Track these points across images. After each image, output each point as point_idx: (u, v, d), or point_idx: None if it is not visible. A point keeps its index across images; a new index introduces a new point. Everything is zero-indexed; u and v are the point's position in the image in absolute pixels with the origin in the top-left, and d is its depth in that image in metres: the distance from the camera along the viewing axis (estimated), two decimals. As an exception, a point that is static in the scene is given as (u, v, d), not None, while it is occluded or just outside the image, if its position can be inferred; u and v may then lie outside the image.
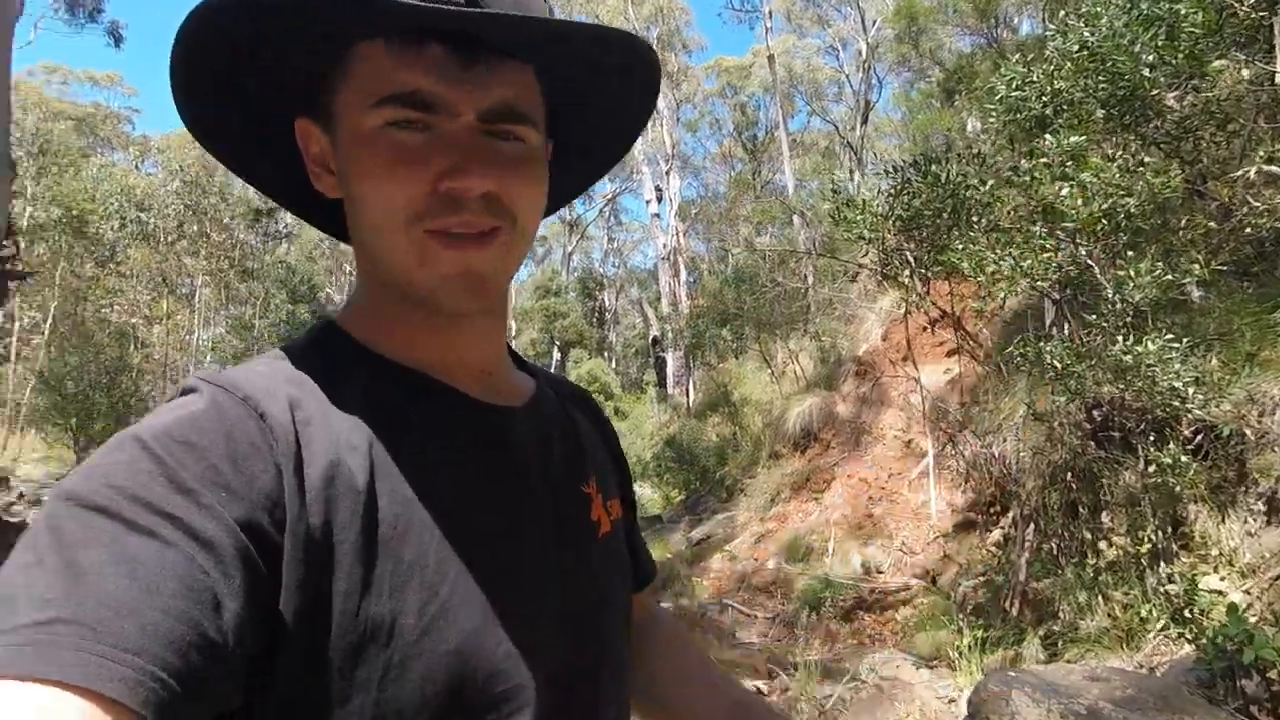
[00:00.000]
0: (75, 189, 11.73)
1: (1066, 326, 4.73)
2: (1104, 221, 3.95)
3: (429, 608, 0.44)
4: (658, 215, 18.37)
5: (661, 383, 17.08)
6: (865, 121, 15.18)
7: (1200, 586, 3.87)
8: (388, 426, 0.47)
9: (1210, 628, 3.47)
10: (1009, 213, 4.43)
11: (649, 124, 0.62)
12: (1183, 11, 3.68)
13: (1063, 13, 4.64)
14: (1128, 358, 3.86)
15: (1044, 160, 4.13)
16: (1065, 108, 4.46)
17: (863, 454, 8.10)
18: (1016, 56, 4.58)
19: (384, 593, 0.43)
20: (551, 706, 0.48)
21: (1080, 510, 5.05)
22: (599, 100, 0.55)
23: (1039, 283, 4.28)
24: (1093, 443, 4.75)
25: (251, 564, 0.38)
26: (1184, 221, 4.27)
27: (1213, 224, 4.25)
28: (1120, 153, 4.14)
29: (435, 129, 0.46)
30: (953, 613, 5.66)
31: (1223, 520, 4.10)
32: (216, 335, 14.75)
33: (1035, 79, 4.48)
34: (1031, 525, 5.14)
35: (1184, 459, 3.77)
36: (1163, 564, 4.21)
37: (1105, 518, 5.04)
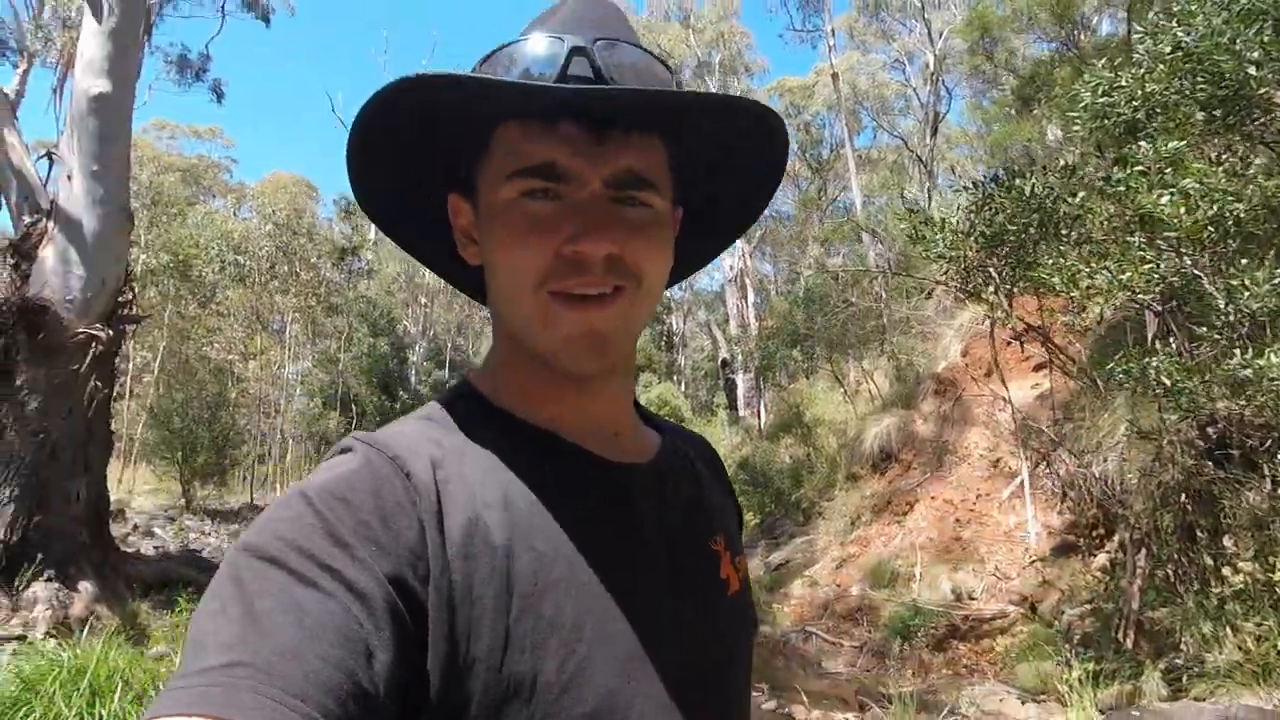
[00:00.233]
0: (181, 236, 12.81)
1: (1173, 340, 4.48)
2: (1210, 229, 3.75)
3: (567, 665, 0.44)
4: (723, 237, 18.30)
5: (732, 405, 16.97)
6: (935, 134, 14.81)
7: (1347, 618, 3.54)
8: (522, 486, 0.49)
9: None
10: (1101, 224, 4.27)
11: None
12: (1289, 5, 3.51)
13: (1152, 13, 4.48)
14: (1247, 371, 3.62)
15: (1139, 168, 3.98)
16: (1158, 111, 4.29)
17: (947, 474, 7.79)
18: (1102, 61, 4.44)
19: (525, 650, 0.44)
20: None
21: (1198, 534, 4.71)
22: (727, 166, 0.57)
23: (1140, 295, 4.09)
24: (1209, 462, 4.44)
25: (399, 617, 0.40)
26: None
27: (1336, 225, 3.96)
28: (1226, 155, 3.94)
29: (564, 198, 0.49)
30: (1057, 643, 5.34)
31: (1368, 545, 3.75)
32: (304, 369, 15.68)
33: (1124, 83, 4.32)
34: (1143, 550, 4.82)
35: (1319, 479, 3.49)
36: (1300, 593, 3.88)
37: (1228, 542, 4.68)
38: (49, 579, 4.99)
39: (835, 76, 15.69)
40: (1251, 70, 3.63)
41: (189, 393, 11.06)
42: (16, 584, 4.81)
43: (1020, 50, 10.79)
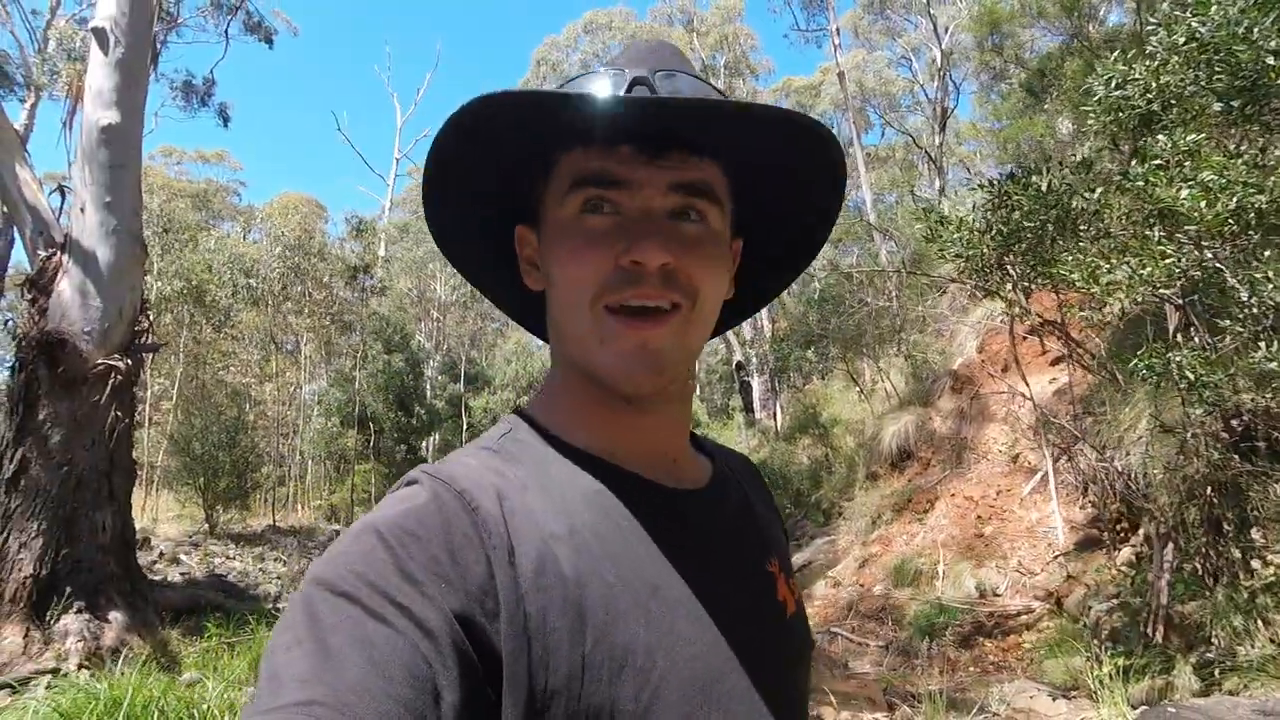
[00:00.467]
0: (194, 261, 12.90)
1: (1194, 333, 4.45)
2: (1231, 221, 3.72)
3: (642, 695, 0.44)
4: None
5: (748, 408, 16.94)
6: (943, 129, 14.72)
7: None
8: (586, 516, 0.49)
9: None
10: (1119, 219, 4.24)
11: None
12: (1305, -6, 3.47)
13: (1165, 4, 4.44)
14: (1272, 364, 3.60)
15: (1157, 162, 3.95)
16: (1174, 103, 4.25)
17: (966, 471, 7.76)
18: (1115, 55, 4.40)
19: (601, 679, 0.44)
20: None
21: (1225, 527, 4.68)
22: (787, 194, 0.58)
23: (1161, 290, 4.06)
24: (1235, 455, 4.41)
25: (466, 656, 0.40)
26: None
27: (1359, 213, 3.92)
28: (1245, 146, 3.90)
29: (623, 212, 0.50)
30: (1085, 638, 5.32)
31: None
32: (321, 389, 15.68)
33: (1138, 75, 4.28)
34: (1170, 544, 4.79)
35: (1350, 470, 3.46)
36: (1334, 585, 3.85)
37: (1256, 534, 4.65)
38: (79, 610, 5.03)
39: (841, 75, 15.62)
40: (1270, 60, 3.59)
41: (207, 418, 11.10)
42: (48, 617, 4.86)
43: (1028, 43, 10.72)
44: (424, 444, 16.66)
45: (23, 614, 4.82)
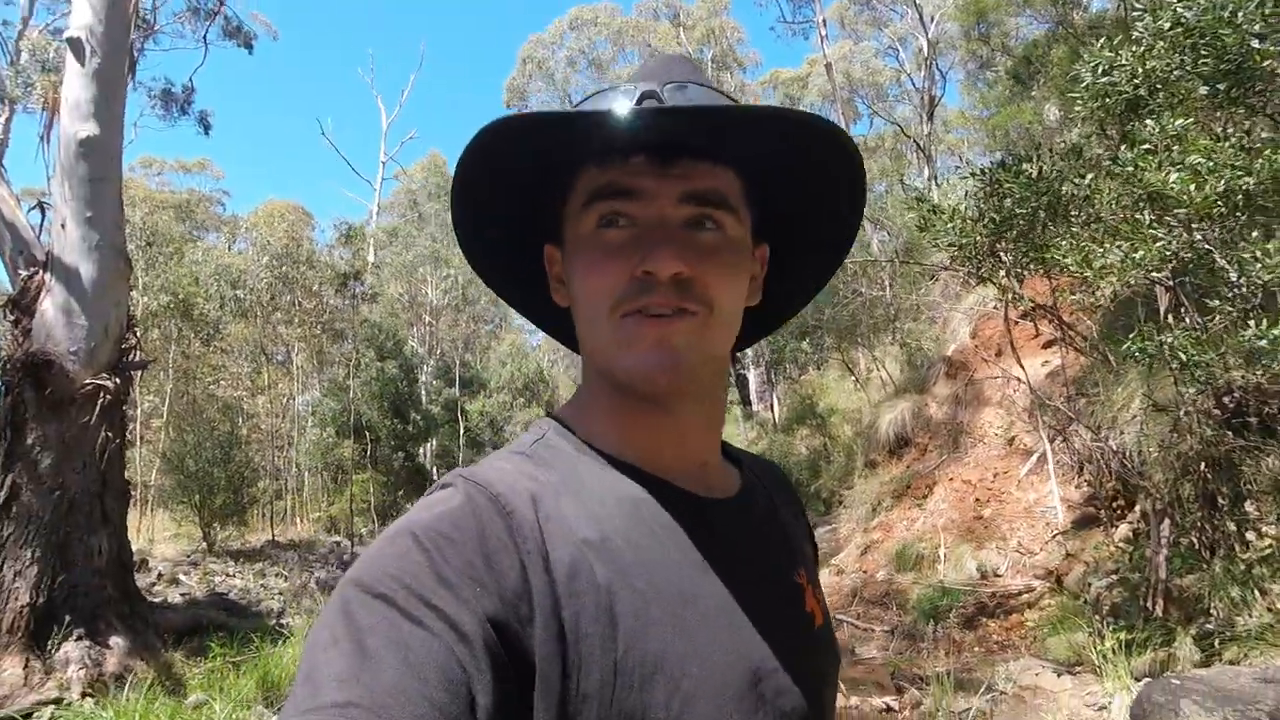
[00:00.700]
0: (180, 274, 12.62)
1: (1184, 313, 4.53)
2: (1220, 204, 3.79)
3: (674, 703, 0.45)
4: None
5: (745, 400, 17.02)
6: (931, 118, 14.80)
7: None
8: (618, 523, 0.49)
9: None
10: (1109, 204, 4.30)
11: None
12: (1286, -23, 3.53)
13: (1149, -11, 4.47)
14: (1262, 342, 3.67)
15: (1146, 146, 4.00)
16: (1160, 88, 4.30)
17: (963, 455, 7.86)
18: (1101, 41, 4.45)
19: (632, 686, 0.44)
20: None
21: (1220, 501, 4.79)
22: (805, 200, 0.58)
23: (1152, 273, 4.13)
24: (1228, 431, 4.51)
25: (499, 659, 0.41)
26: (1305, 190, 4.04)
27: (1341, 190, 4.00)
28: (1232, 130, 3.97)
29: (639, 224, 0.51)
30: (1086, 614, 5.43)
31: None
32: (314, 399, 15.47)
33: (1124, 61, 4.34)
34: (1166, 520, 4.89)
35: (1341, 442, 3.55)
36: (1328, 554, 3.95)
37: (1250, 507, 4.76)
38: (79, 638, 4.95)
39: (829, 66, 15.63)
40: (1254, 43, 3.65)
41: (200, 434, 10.94)
42: (48, 646, 4.77)
43: (1014, 31, 10.80)
44: (421, 450, 16.54)
45: (21, 644, 4.73)
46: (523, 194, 0.56)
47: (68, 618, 4.91)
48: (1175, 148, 3.95)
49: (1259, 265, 3.75)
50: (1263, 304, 3.99)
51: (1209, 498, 4.78)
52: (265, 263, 12.74)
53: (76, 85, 5.54)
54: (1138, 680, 4.25)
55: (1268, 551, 4.40)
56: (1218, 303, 4.05)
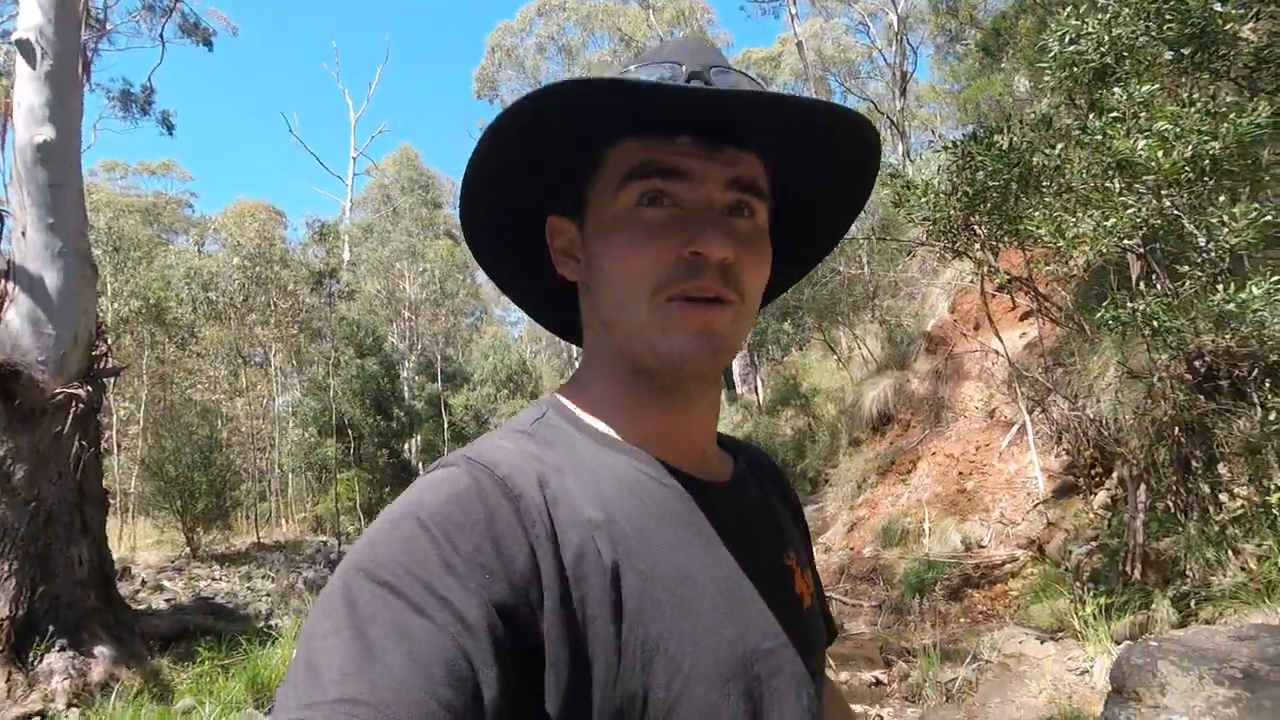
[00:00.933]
0: (150, 279, 12.41)
1: (1155, 280, 4.57)
2: (1188, 169, 3.81)
3: (674, 684, 0.45)
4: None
5: (729, 383, 17.09)
6: (904, 94, 14.79)
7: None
8: (623, 505, 0.49)
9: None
10: (1080, 173, 4.31)
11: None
12: (1245, -60, 3.53)
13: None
14: (1230, 305, 3.71)
15: (1114, 115, 4.01)
16: (1126, 55, 4.31)
17: (945, 430, 7.95)
18: (1068, 10, 4.44)
19: (635, 667, 0.44)
20: None
21: (1194, 464, 4.87)
22: (814, 187, 0.59)
23: (1124, 240, 4.16)
24: (1199, 395, 4.57)
25: (507, 647, 0.40)
26: (1273, 155, 4.08)
27: (1305, 152, 4.05)
28: (1198, 95, 3.98)
29: (681, 204, 0.50)
30: (1068, 581, 5.52)
31: (1360, 459, 3.90)
32: (295, 399, 15.30)
33: (1090, 29, 4.34)
34: (1142, 485, 4.97)
35: (1308, 401, 3.61)
36: (1297, 511, 4.03)
37: (1223, 469, 4.84)
38: (62, 648, 4.90)
39: (800, 45, 15.58)
40: (1217, 6, 3.66)
41: (179, 439, 10.76)
42: (30, 658, 4.71)
43: (981, 3, 10.77)
44: (406, 446, 16.46)
45: (2, 658, 4.67)
46: (535, 164, 0.54)
47: (50, 629, 4.86)
48: (1142, 115, 3.96)
49: (1226, 230, 3.79)
50: (1230, 268, 4.03)
51: (1183, 462, 4.86)
52: (237, 264, 12.52)
53: (29, 89, 5.39)
54: (1118, 643, 4.33)
55: (1240, 512, 4.48)
56: (1187, 268, 4.09)
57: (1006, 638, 5.19)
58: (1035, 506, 6.73)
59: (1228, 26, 3.69)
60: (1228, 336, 3.97)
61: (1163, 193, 3.99)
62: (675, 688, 0.45)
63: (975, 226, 4.80)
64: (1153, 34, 4.02)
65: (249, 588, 8.06)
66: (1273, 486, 4.24)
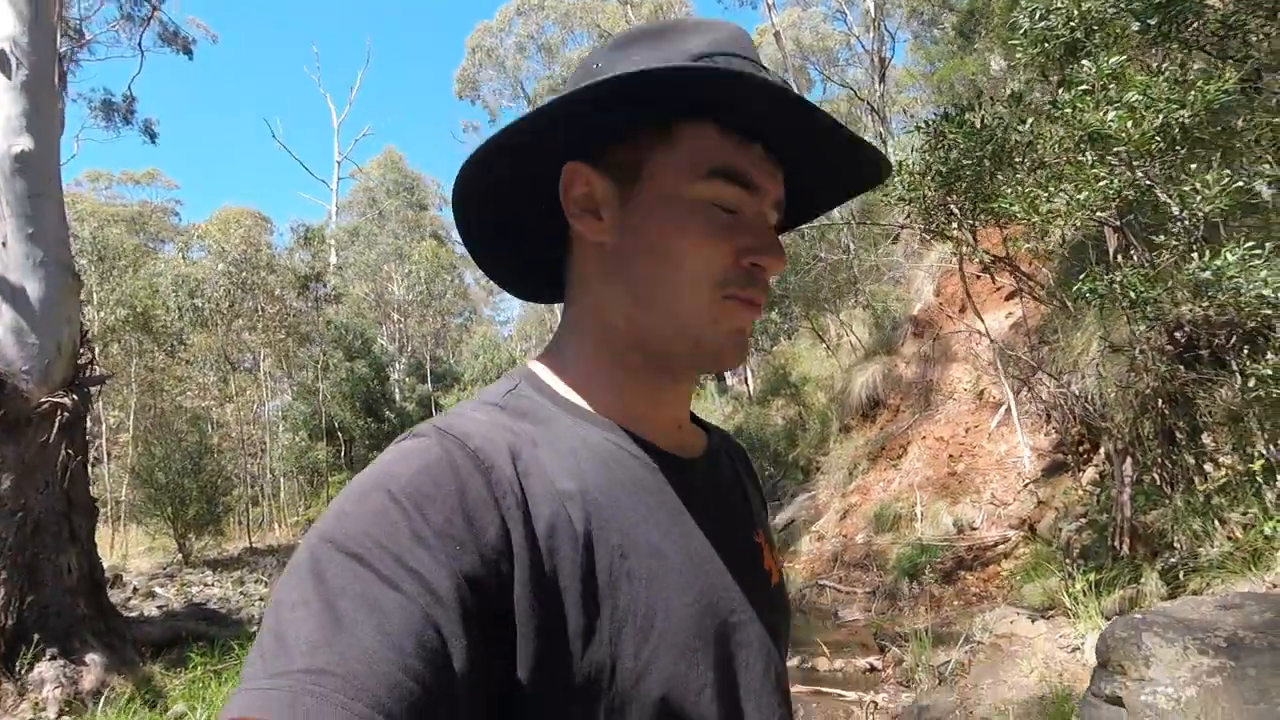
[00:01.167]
0: (136, 287, 12.35)
1: (1133, 252, 4.57)
2: (1158, 139, 3.81)
3: (642, 653, 0.46)
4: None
5: (719, 375, 17.10)
6: (883, 80, 14.78)
7: (1327, 495, 3.69)
8: (595, 477, 0.49)
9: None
10: (1053, 148, 4.32)
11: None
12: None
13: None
14: (1206, 273, 3.71)
15: (1083, 88, 4.01)
16: (1096, 28, 4.32)
17: (934, 413, 7.95)
18: (1036, -14, 4.45)
19: (604, 639, 0.45)
20: None
21: (1178, 436, 4.86)
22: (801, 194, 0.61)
23: (1098, 213, 4.16)
24: (1180, 365, 4.57)
25: (478, 620, 0.40)
26: (1244, 122, 4.08)
27: (1277, 119, 4.05)
28: (1166, 65, 3.98)
29: (742, 214, 0.53)
30: (1059, 559, 5.52)
31: (1339, 423, 3.90)
32: (285, 404, 15.27)
33: (1059, 4, 4.34)
34: (1128, 459, 4.97)
35: (1285, 366, 3.60)
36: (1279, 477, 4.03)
37: (1207, 439, 4.84)
38: (52, 657, 4.88)
39: (778, 35, 15.57)
40: (1181, -25, 3.66)
41: (168, 446, 10.72)
42: (18, 667, 4.70)
43: (957, -14, 10.82)
44: (398, 449, 16.30)
45: (-8, 668, 4.66)
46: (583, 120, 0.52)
47: (40, 638, 4.84)
48: (1112, 87, 3.96)
49: (1199, 198, 3.79)
50: (1206, 237, 4.03)
51: (1167, 433, 4.86)
52: (222, 270, 12.51)
53: (5, 99, 5.37)
54: (1108, 619, 4.33)
55: (1224, 481, 4.48)
56: (1164, 238, 4.09)
57: (998, 618, 5.19)
58: (1026, 486, 6.72)
59: (1193, -5, 3.69)
60: (1205, 305, 3.96)
61: (1134, 163, 3.99)
62: (644, 657, 0.46)
63: (952, 206, 4.80)
64: (1121, 5, 4.03)
65: (241, 593, 8.05)
66: (1256, 454, 4.24)
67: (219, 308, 12.68)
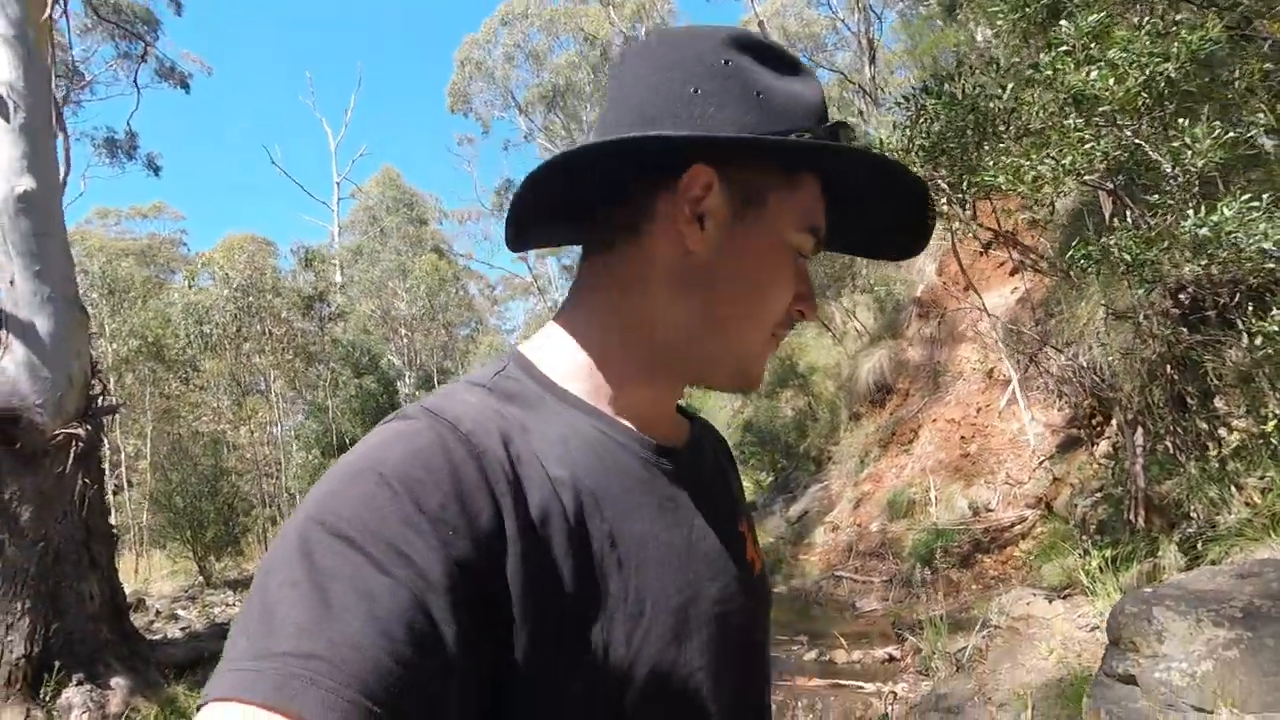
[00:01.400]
0: (147, 317, 12.69)
1: (1130, 214, 4.44)
2: (1144, 95, 3.69)
3: (634, 637, 0.46)
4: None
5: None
6: (873, 61, 14.59)
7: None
8: (586, 463, 0.49)
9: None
10: (1037, 113, 4.21)
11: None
12: None
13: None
14: (1204, 230, 3.58)
15: (1064, 48, 3.91)
16: (1075, -12, 4.21)
17: (944, 395, 7.79)
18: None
19: (598, 623, 0.45)
20: None
21: (1188, 401, 4.71)
22: None
23: (1087, 177, 4.04)
24: (1185, 329, 4.43)
25: (469, 606, 0.40)
26: (1236, 71, 3.93)
27: (1269, 65, 3.90)
28: (1148, 19, 3.87)
29: (799, 265, 0.56)
30: (1076, 536, 5.38)
31: (1354, 378, 3.74)
32: (297, 423, 15.50)
33: (1037, -33, 4.24)
34: (1139, 429, 4.82)
35: (1293, 322, 3.46)
36: (1297, 438, 3.87)
37: (1219, 403, 4.68)
38: (79, 682, 5.00)
39: (761, 24, 15.51)
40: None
41: (184, 471, 10.92)
42: (43, 694, 4.83)
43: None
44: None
45: (20, 696, 4.78)
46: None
47: (65, 665, 4.97)
48: (1094, 46, 3.86)
49: (1190, 153, 3.67)
50: (1203, 193, 3.90)
51: (1178, 399, 4.70)
52: (227, 295, 12.78)
53: (5, 141, 5.55)
54: (1123, 597, 4.20)
55: (1238, 445, 4.33)
56: (1158, 197, 3.97)
57: (1014, 600, 5.07)
58: (1040, 464, 6.56)
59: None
60: (1205, 263, 3.83)
61: (1120, 122, 3.87)
62: (635, 643, 0.46)
63: (938, 180, 4.71)
64: (1098, -39, 3.92)
65: (262, 611, 8.11)
66: (1270, 415, 4.08)
67: (226, 332, 12.95)
